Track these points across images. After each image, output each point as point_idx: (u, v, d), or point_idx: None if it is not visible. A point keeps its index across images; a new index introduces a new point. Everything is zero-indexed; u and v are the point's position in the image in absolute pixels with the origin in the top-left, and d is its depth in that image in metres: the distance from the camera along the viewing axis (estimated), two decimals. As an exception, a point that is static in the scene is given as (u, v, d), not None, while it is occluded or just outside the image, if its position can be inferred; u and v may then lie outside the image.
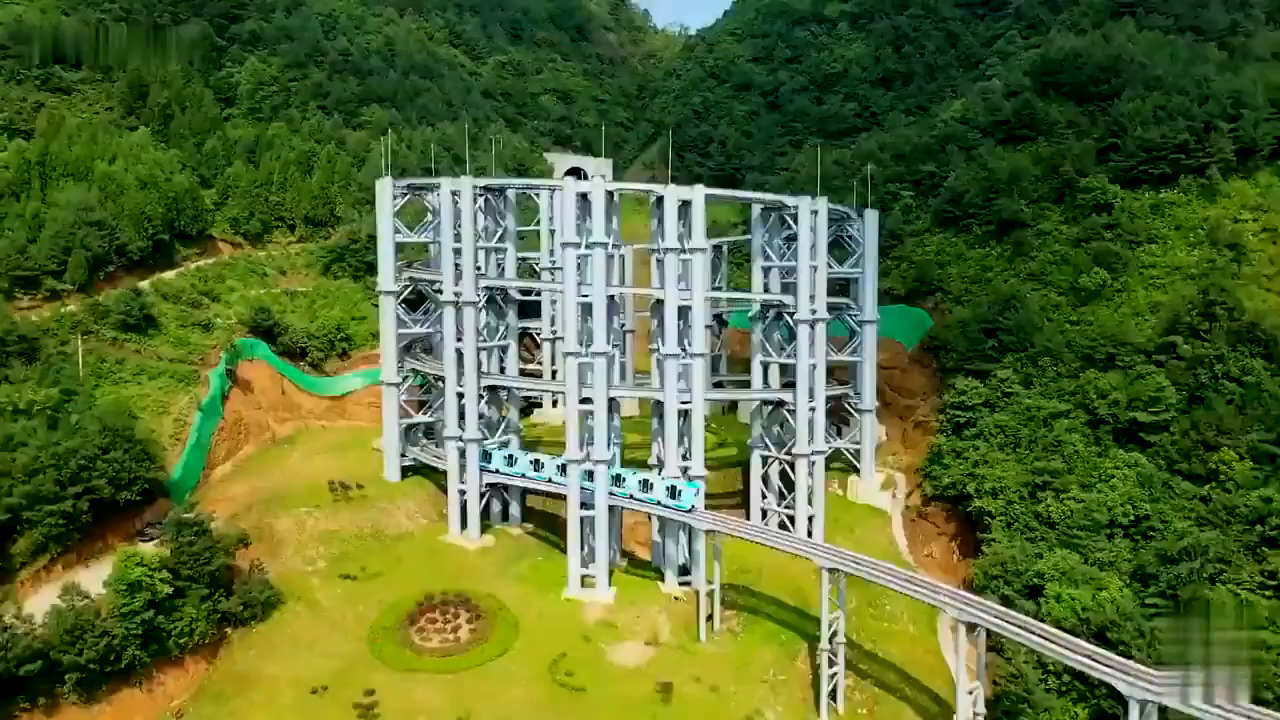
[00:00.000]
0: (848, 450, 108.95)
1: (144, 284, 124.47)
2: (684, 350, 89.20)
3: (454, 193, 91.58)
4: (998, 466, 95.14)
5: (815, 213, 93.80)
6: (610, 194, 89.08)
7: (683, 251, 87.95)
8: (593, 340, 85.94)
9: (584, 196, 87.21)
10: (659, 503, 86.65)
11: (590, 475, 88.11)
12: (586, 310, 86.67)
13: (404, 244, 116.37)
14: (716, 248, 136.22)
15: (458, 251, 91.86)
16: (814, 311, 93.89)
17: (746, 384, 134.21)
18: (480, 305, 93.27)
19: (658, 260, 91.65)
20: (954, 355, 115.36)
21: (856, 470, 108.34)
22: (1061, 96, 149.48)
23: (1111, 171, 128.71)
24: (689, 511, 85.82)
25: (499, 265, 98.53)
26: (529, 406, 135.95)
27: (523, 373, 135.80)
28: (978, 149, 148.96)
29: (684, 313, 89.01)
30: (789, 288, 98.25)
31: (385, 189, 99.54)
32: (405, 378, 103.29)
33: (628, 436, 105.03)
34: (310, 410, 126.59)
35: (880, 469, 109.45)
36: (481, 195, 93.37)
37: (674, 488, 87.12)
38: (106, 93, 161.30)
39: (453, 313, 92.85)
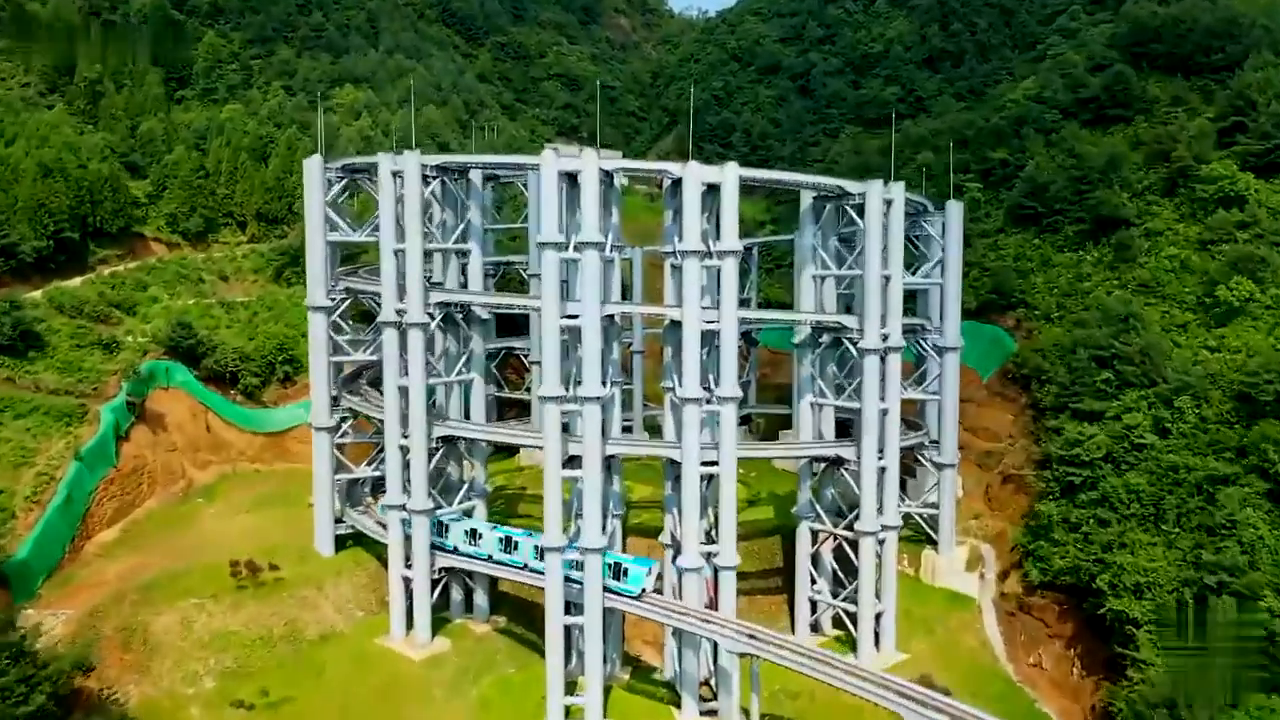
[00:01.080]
0: (920, 515, 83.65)
1: (36, 293, 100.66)
2: (709, 391, 64.53)
3: (395, 174, 66.99)
4: (1140, 552, 69.47)
5: (889, 203, 68.61)
6: (608, 175, 64.52)
7: (708, 255, 63.25)
8: (582, 379, 61.43)
9: (571, 178, 62.63)
10: (608, 589, 63.24)
11: (577, 565, 63.73)
12: (574, 337, 62.17)
13: (352, 246, 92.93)
14: (745, 250, 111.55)
15: (400, 255, 67.36)
16: (886, 338, 68.93)
17: (785, 420, 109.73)
18: (432, 327, 68.68)
19: (673, 267, 67.00)
20: (1052, 389, 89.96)
21: (932, 541, 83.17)
22: (1158, 69, 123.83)
23: (1238, 157, 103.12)
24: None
25: (462, 273, 74.00)
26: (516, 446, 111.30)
27: (503, 404, 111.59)
28: (1059, 132, 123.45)
29: (709, 339, 64.45)
30: (850, 305, 73.40)
31: (314, 172, 75.20)
32: (343, 418, 78.70)
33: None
34: (241, 450, 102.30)
35: (961, 538, 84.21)
36: (435, 178, 68.89)
37: (619, 565, 63.60)
38: (26, 65, 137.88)
39: (394, 337, 68.34)
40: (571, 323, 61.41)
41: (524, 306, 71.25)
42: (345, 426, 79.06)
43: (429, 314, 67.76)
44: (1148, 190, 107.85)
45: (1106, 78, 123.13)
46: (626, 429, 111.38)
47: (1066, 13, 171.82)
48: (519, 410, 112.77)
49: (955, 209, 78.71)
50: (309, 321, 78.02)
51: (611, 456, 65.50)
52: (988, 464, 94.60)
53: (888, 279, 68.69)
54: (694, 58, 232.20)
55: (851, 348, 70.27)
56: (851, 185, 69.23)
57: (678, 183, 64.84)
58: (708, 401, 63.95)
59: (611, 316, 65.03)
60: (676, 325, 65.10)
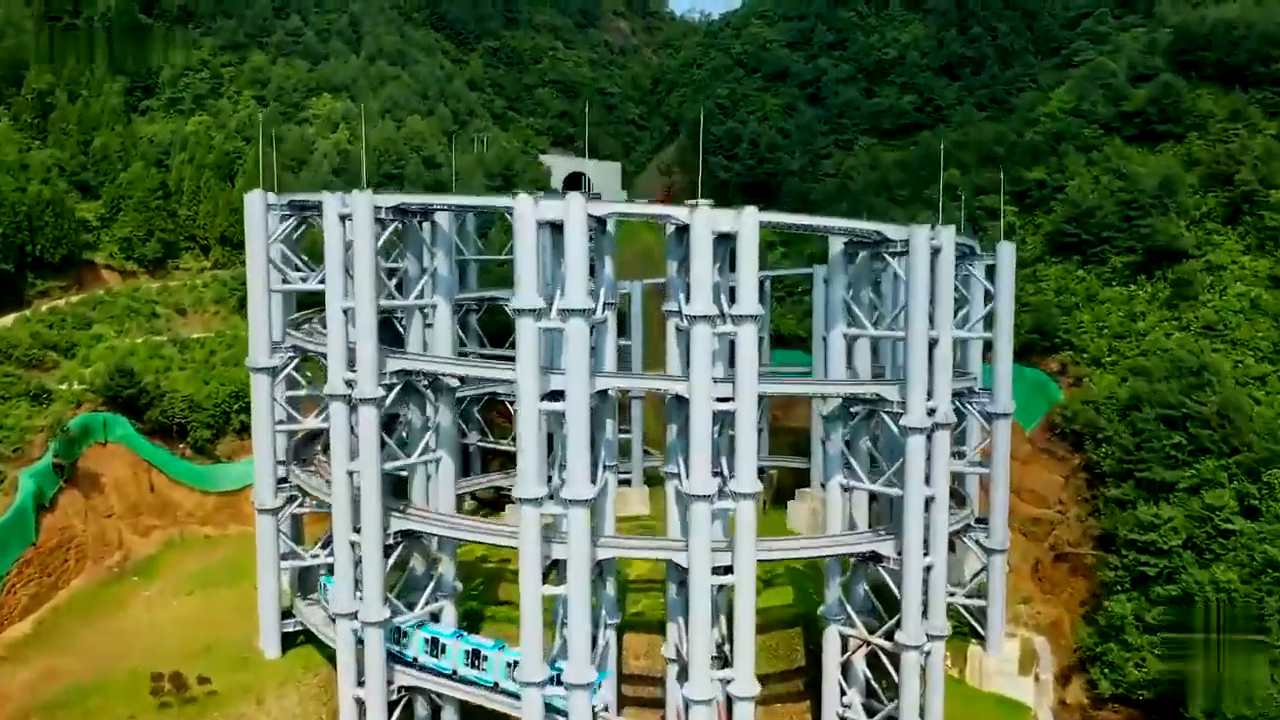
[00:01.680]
0: (963, 607, 72.07)
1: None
2: (722, 480, 53.16)
3: (344, 216, 55.48)
4: (1236, 659, 58.08)
5: (938, 250, 57.00)
6: (599, 220, 53.05)
7: (721, 319, 51.91)
8: (567, 477, 49.96)
9: (555, 227, 51.19)
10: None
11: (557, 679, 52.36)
12: (556, 422, 50.77)
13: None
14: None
15: (350, 314, 55.96)
16: (933, 412, 57.49)
17: (804, 475, 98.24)
18: (387, 401, 57.24)
19: (678, 329, 55.55)
20: (1111, 451, 78.46)
21: (977, 635, 71.63)
22: (1208, 80, 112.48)
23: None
24: None
25: (426, 331, 62.42)
26: (501, 500, 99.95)
27: (487, 454, 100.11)
28: (1101, 149, 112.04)
29: (722, 420, 53.05)
30: (886, 367, 61.98)
31: (255, 210, 63.65)
32: (291, 497, 67.20)
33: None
34: (190, 512, 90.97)
35: (1010, 627, 72.69)
36: (392, 221, 57.47)
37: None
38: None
39: (343, 413, 56.97)
40: (554, 405, 50.03)
41: (497, 381, 59.17)
42: (293, 507, 67.55)
43: (385, 385, 56.46)
44: (1207, 217, 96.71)
45: (1153, 89, 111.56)
46: (624, 482, 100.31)
47: (1093, 16, 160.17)
48: (504, 461, 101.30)
49: (1007, 251, 67.18)
50: (251, 384, 66.53)
51: (604, 562, 54.12)
52: (1034, 533, 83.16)
53: (935, 341, 57.25)
54: (696, 63, 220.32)
55: (891, 423, 58.88)
56: (892, 230, 57.76)
57: (683, 230, 53.55)
58: (720, 495, 52.57)
59: (604, 392, 53.72)
60: (681, 401, 53.76)
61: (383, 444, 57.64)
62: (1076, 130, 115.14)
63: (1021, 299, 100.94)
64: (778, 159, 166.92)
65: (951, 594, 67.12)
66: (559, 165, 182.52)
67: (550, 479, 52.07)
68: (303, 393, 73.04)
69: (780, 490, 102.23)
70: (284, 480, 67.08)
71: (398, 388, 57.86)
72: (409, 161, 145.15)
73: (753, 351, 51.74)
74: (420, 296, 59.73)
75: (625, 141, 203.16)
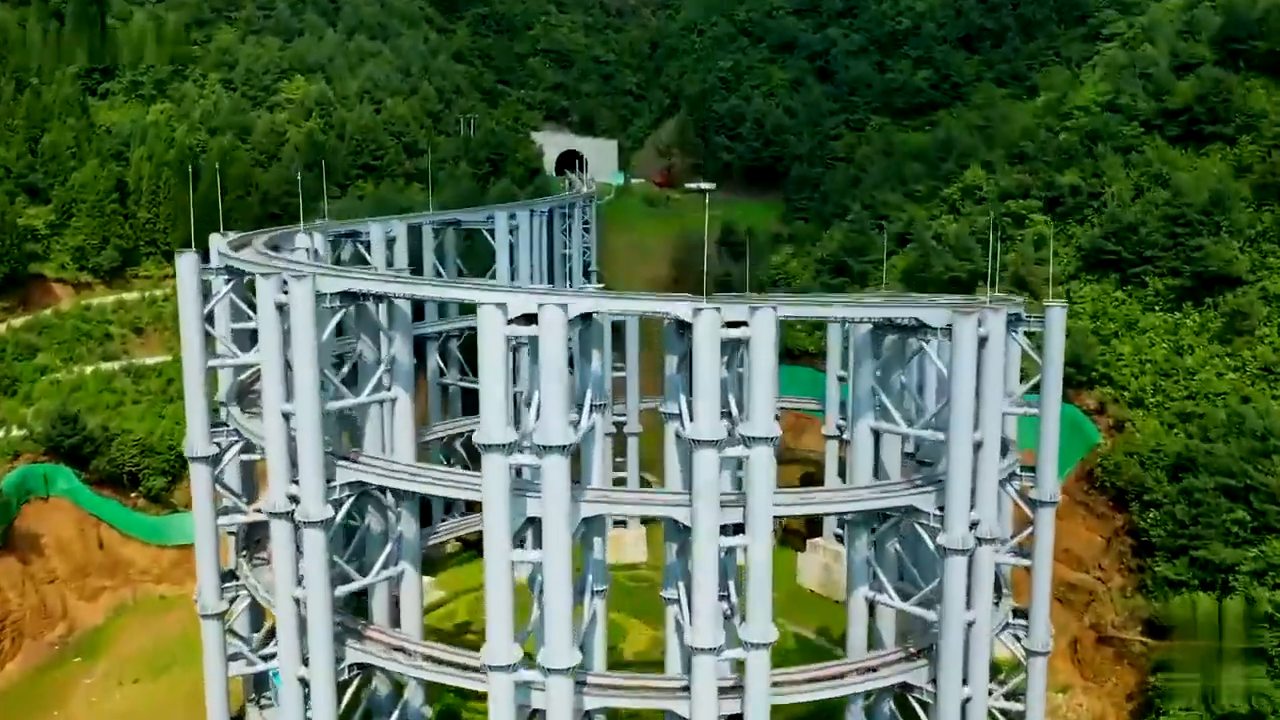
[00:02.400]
0: (999, 711, 64.24)
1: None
2: (733, 626, 45.13)
3: (280, 305, 46.17)
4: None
5: (985, 339, 48.04)
6: (586, 318, 44.17)
7: (731, 441, 43.49)
8: (546, 649, 41.60)
9: (528, 320, 42.43)
10: None
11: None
12: (530, 576, 42.48)
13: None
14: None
15: (289, 418, 47.41)
16: (975, 524, 49.11)
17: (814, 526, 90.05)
18: (336, 521, 48.79)
19: (678, 435, 47.02)
20: (1160, 519, 70.34)
21: (1011, 736, 64.16)
22: (1259, 71, 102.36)
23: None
24: None
25: (387, 427, 53.79)
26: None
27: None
28: (1141, 150, 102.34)
29: (731, 556, 44.80)
30: (921, 473, 53.32)
31: (187, 276, 54.58)
32: (235, 598, 59.08)
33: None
34: (144, 569, 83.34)
35: (1047, 724, 65.17)
36: (342, 307, 48.41)
37: None
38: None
39: (287, 533, 48.63)
40: (527, 555, 41.73)
41: (468, 487, 49.99)
42: (243, 606, 59.52)
43: (335, 501, 48.22)
44: (1263, 237, 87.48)
45: (1199, 84, 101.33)
46: (619, 522, 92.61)
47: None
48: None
49: (1057, 318, 58.22)
50: (190, 472, 58.06)
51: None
52: (1072, 601, 75.42)
53: (979, 446, 48.82)
54: (697, 27, 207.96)
55: (927, 537, 50.69)
56: (931, 315, 48.90)
57: (683, 327, 44.88)
58: (730, 645, 44.14)
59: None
60: (680, 528, 45.47)
61: (335, 561, 49.62)
62: (1114, 129, 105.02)
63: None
64: (784, 140, 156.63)
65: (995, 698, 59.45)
66: (552, 143, 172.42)
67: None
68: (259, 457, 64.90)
69: (783, 540, 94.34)
70: (232, 576, 59.06)
71: (351, 500, 49.66)
72: (388, 151, 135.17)
73: (768, 477, 43.33)
74: (377, 390, 51.18)
75: (622, 114, 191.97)
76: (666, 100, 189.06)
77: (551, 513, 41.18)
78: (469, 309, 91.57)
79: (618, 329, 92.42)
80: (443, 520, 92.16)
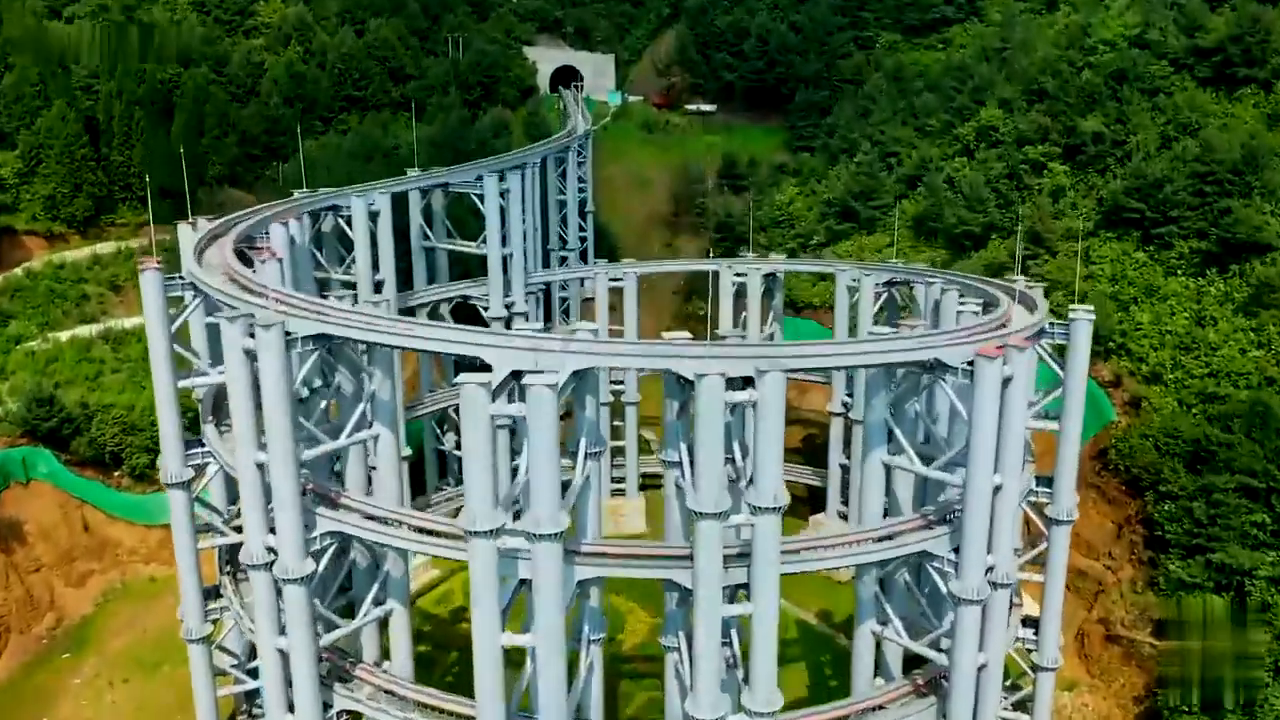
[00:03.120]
0: (1005, 720, 63.15)
1: None
2: (735, 679, 43.00)
3: (248, 350, 42.40)
4: None
5: (1009, 380, 44.60)
6: (578, 378, 40.59)
7: (736, 510, 40.52)
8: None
9: (515, 382, 39.02)
10: None
11: None
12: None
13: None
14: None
15: (263, 468, 44.02)
16: (990, 570, 46.57)
17: (817, 498, 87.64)
18: (320, 568, 45.83)
19: (677, 486, 44.04)
20: (1175, 513, 68.01)
21: (1016, 744, 63.15)
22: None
23: None
24: None
25: (370, 459, 50.45)
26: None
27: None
28: (1169, 94, 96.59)
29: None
30: (934, 508, 50.36)
31: (152, 293, 50.69)
32: (219, 618, 57.00)
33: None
34: (132, 549, 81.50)
35: (1052, 726, 64.18)
36: (313, 351, 44.48)
37: None
38: None
39: (267, 584, 45.87)
40: (519, 640, 39.22)
41: (450, 546, 46.61)
42: (232, 630, 57.55)
43: (316, 553, 45.56)
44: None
45: (1234, 22, 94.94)
46: (617, 491, 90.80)
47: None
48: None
49: (1083, 330, 54.30)
50: (169, 499, 55.30)
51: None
52: (1081, 589, 73.77)
53: (999, 488, 46.00)
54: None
55: (939, 580, 48.26)
56: (951, 354, 45.30)
57: (683, 384, 41.39)
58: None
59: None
60: (682, 592, 42.92)
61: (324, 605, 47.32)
62: (1142, 69, 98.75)
63: (1071, 286, 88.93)
64: (789, 61, 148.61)
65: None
66: (546, 58, 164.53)
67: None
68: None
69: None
70: (216, 594, 56.92)
71: (332, 549, 46.95)
72: (372, 80, 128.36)
73: (774, 545, 40.52)
74: (359, 427, 47.94)
75: (619, 23, 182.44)
76: (666, 9, 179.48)
77: (544, 596, 38.45)
78: (461, 275, 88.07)
79: (616, 290, 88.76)
80: (437, 489, 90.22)
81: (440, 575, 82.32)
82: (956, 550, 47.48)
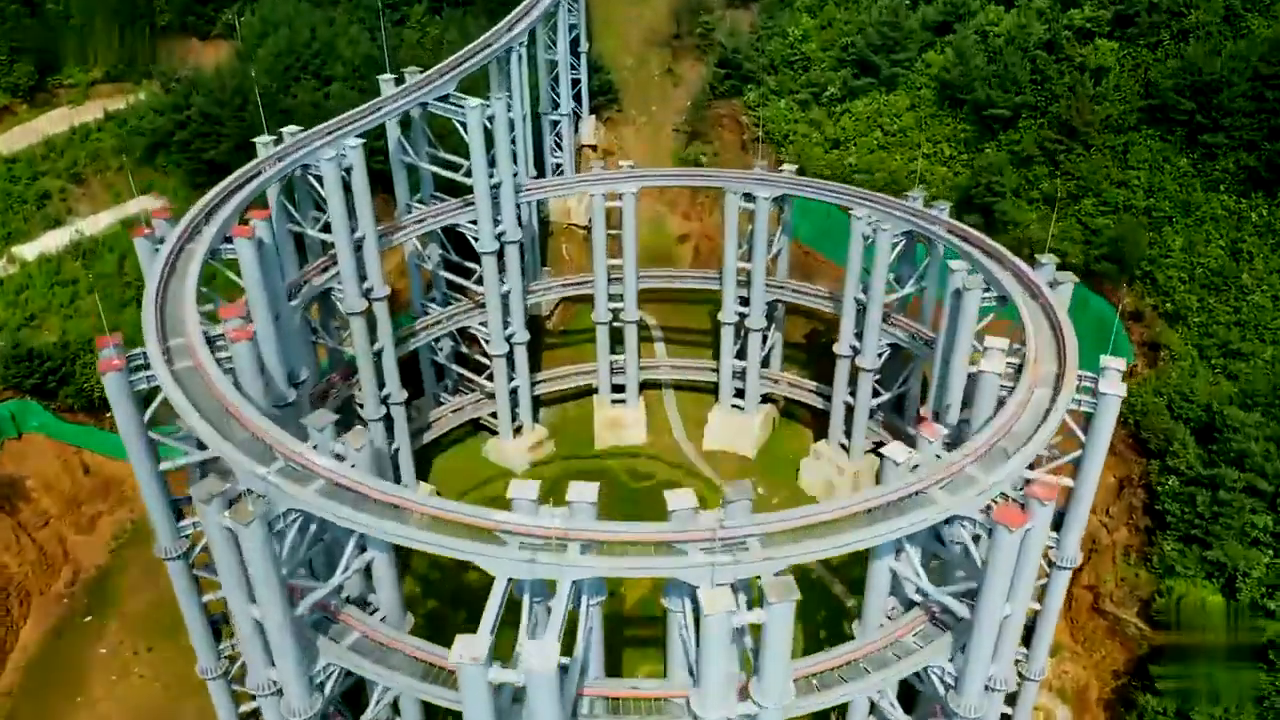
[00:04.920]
0: None
1: None
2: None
3: (228, 528, 39.41)
4: None
5: (1029, 531, 41.93)
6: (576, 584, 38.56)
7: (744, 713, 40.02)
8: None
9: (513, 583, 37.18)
10: None
11: None
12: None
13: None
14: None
15: (259, 623, 42.64)
16: (991, 680, 46.73)
17: (822, 422, 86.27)
18: (319, 712, 45.68)
19: (680, 632, 43.38)
20: (1181, 499, 67.59)
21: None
22: None
23: None
24: None
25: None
26: (479, 427, 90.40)
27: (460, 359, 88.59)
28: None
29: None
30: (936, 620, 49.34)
31: (117, 390, 47.25)
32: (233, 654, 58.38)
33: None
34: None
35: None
36: (291, 523, 40.96)
37: None
38: None
39: (273, 709, 46.24)
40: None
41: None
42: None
43: (321, 685, 45.46)
44: (1365, 118, 75.23)
45: None
46: (618, 400, 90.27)
47: None
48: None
49: (1112, 381, 51.05)
50: (167, 569, 54.74)
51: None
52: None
53: (1009, 616, 45.36)
54: None
55: (938, 684, 48.63)
56: (964, 505, 42.69)
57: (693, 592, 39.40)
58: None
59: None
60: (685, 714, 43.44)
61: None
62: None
63: (1103, 193, 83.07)
64: None
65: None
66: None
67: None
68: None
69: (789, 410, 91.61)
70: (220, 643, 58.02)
71: (338, 676, 46.90)
72: None
73: (785, 649, 40.20)
74: (352, 560, 46.01)
75: None
76: None
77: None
78: (448, 184, 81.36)
79: (613, 213, 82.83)
80: (437, 403, 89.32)
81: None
82: (959, 655, 47.67)
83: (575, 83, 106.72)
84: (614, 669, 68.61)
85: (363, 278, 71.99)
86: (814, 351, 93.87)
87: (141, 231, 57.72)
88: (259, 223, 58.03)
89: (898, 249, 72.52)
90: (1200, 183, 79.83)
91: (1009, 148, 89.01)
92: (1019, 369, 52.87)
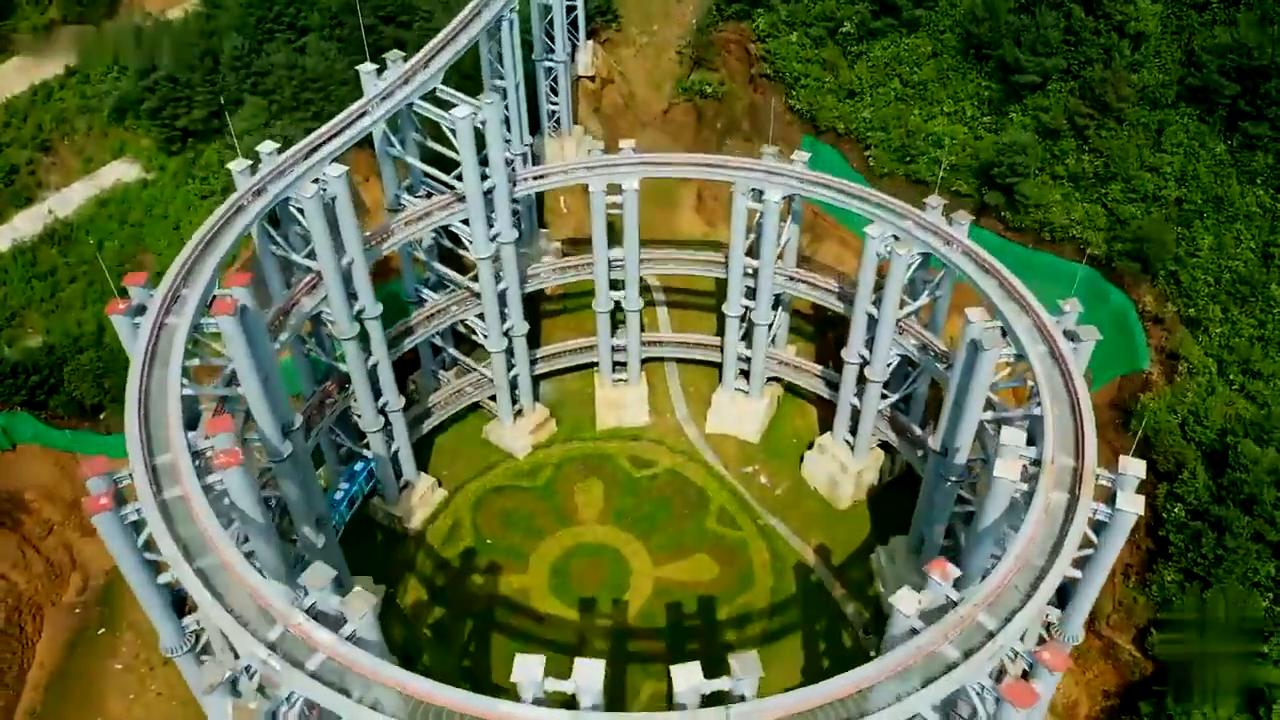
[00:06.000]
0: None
1: None
2: None
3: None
4: None
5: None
6: None
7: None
8: None
9: None
10: None
11: None
12: None
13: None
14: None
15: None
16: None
17: (830, 386, 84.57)
18: None
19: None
20: (1187, 532, 67.22)
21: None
22: None
23: None
24: None
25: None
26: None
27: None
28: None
29: None
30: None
31: (111, 530, 45.86)
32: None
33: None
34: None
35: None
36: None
37: None
38: None
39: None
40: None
41: None
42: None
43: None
44: None
45: None
46: (620, 379, 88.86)
47: None
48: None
49: (1130, 498, 49.21)
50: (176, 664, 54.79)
51: None
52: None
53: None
54: None
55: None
56: (980, 673, 42.03)
57: None
58: None
59: None
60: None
61: None
62: None
63: (1132, 180, 78.62)
64: None
65: None
66: None
67: None
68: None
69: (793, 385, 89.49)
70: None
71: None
72: None
73: None
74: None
75: None
76: None
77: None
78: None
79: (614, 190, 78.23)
80: (435, 380, 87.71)
81: (446, 495, 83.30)
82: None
83: (571, 9, 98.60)
84: (618, 683, 70.91)
85: (352, 297, 68.99)
86: (821, 325, 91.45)
87: (117, 307, 54.65)
88: (239, 290, 54.91)
89: (912, 268, 69.09)
90: (1236, 174, 75.37)
91: (1035, 113, 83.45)
92: (1034, 476, 51.17)
